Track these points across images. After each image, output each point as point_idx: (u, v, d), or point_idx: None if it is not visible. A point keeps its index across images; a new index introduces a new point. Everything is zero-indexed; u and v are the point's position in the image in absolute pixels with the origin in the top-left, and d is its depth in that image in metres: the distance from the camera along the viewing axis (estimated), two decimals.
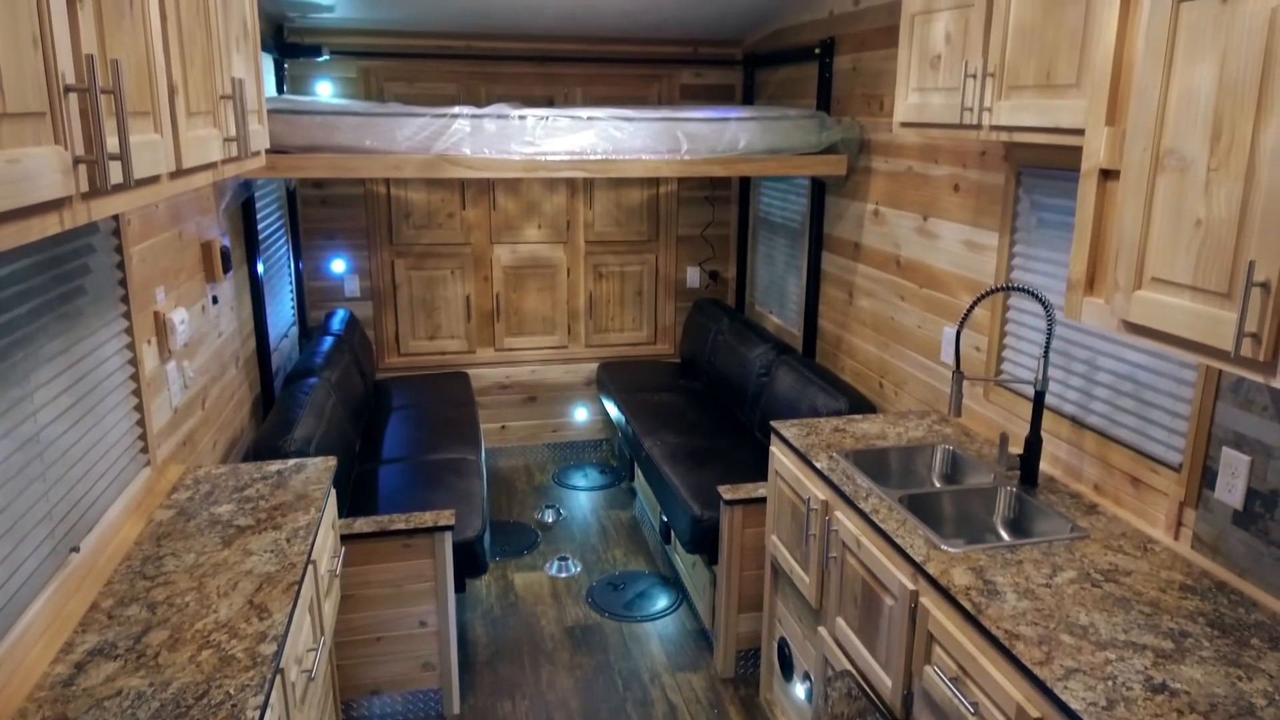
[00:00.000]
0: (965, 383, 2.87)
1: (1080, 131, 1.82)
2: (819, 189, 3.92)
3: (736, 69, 4.85)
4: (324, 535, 2.24)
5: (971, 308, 2.33)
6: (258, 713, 1.47)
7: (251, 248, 3.50)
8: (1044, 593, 1.83)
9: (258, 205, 3.57)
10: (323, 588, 2.17)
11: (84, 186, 1.22)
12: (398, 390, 4.46)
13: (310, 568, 2.02)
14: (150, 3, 1.52)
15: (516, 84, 4.64)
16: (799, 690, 2.72)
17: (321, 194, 4.55)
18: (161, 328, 2.42)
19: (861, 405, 3.29)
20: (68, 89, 1.16)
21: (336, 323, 4.18)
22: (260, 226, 3.59)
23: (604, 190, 4.90)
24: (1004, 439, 2.39)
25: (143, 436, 2.25)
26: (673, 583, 3.80)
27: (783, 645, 2.82)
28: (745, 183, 4.89)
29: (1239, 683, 1.55)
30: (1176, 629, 1.71)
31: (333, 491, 2.43)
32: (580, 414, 5.13)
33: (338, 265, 4.63)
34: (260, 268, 3.53)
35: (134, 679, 1.55)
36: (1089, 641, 1.66)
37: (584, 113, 3.51)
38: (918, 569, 1.97)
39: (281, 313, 4.12)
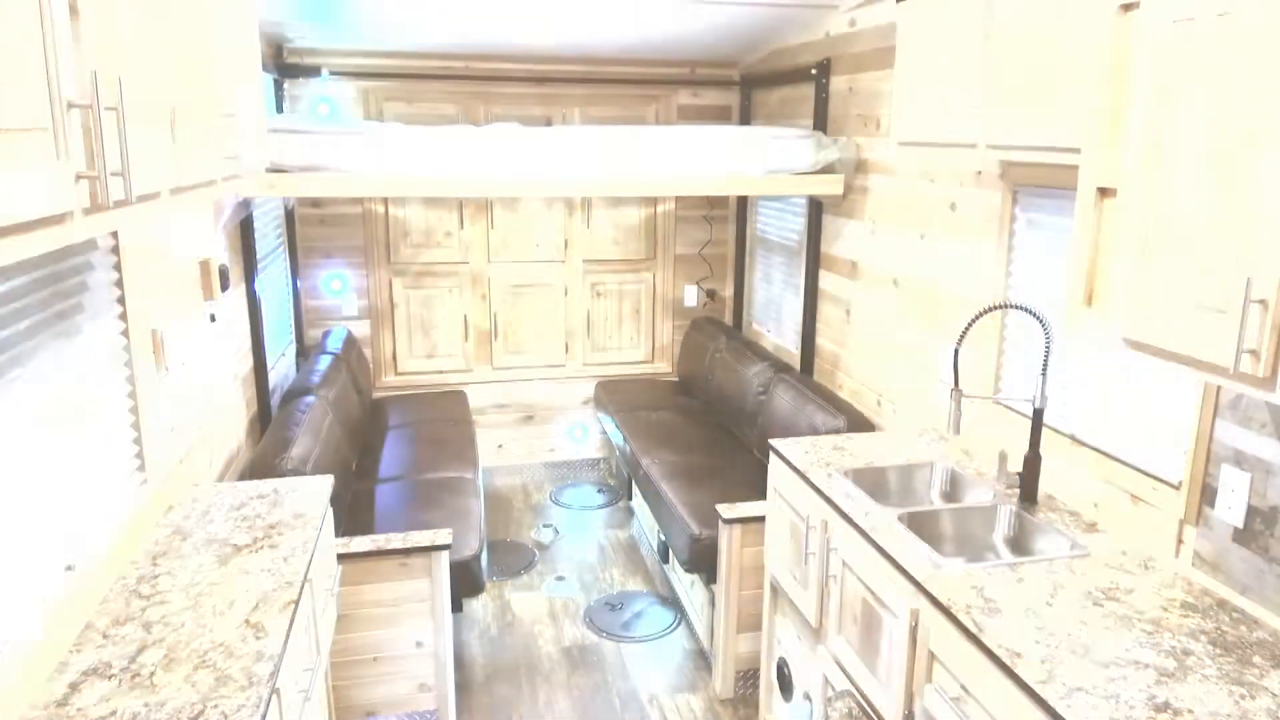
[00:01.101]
0: (964, 400, 2.86)
1: (1077, 150, 1.83)
2: (816, 208, 3.93)
3: (733, 90, 4.89)
4: (320, 554, 2.23)
5: (969, 326, 2.34)
6: None
7: (250, 266, 3.51)
8: (1045, 611, 1.82)
9: (256, 224, 3.57)
10: (319, 607, 2.16)
11: (84, 202, 1.22)
12: (395, 409, 4.45)
13: (307, 587, 2.01)
14: (152, 21, 1.53)
15: (515, 104, 4.67)
16: (799, 711, 2.70)
17: (320, 213, 4.56)
18: (159, 345, 2.41)
19: (860, 423, 3.29)
20: (70, 105, 1.16)
21: (334, 341, 4.18)
22: (258, 245, 3.59)
23: (602, 209, 4.91)
24: (1003, 457, 2.39)
25: (139, 454, 2.24)
26: (671, 602, 3.77)
27: (782, 665, 2.80)
28: (742, 202, 4.91)
29: (1242, 701, 1.54)
30: (1178, 647, 1.70)
31: (329, 510, 2.42)
32: (578, 433, 5.12)
33: (335, 284, 4.63)
34: (258, 286, 3.53)
35: (129, 699, 1.53)
36: (1091, 660, 1.65)
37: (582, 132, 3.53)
38: (918, 587, 1.96)
39: (279, 331, 4.11)
